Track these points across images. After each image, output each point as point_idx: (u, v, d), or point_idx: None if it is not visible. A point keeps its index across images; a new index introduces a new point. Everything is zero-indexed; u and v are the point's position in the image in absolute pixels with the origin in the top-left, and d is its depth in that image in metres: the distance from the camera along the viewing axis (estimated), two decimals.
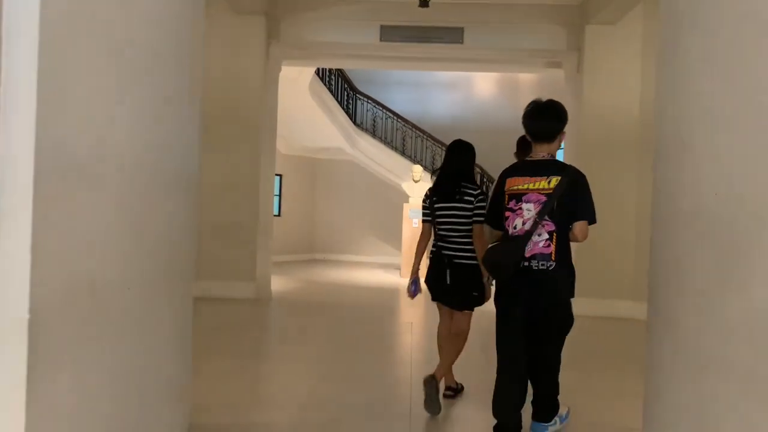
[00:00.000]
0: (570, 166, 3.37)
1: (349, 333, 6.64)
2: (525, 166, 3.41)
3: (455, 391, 4.35)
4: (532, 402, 3.47)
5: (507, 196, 3.33)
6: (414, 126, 14.33)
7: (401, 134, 14.33)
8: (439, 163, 14.16)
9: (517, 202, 3.27)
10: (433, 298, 4.28)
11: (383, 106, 14.44)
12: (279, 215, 14.83)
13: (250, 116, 8.48)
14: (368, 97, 14.50)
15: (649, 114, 8.15)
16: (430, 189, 4.24)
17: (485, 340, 4.73)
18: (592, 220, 3.33)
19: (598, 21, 8.18)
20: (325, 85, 13.25)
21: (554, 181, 3.22)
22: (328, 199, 15.69)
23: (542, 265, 3.18)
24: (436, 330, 4.37)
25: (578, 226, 3.27)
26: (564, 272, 3.24)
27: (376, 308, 8.45)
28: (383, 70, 15.43)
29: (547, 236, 3.19)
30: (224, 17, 8.39)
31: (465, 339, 4.21)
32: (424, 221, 4.23)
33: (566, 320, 3.34)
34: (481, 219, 3.92)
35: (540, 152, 3.38)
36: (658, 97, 3.06)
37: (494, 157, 15.13)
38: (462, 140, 4.34)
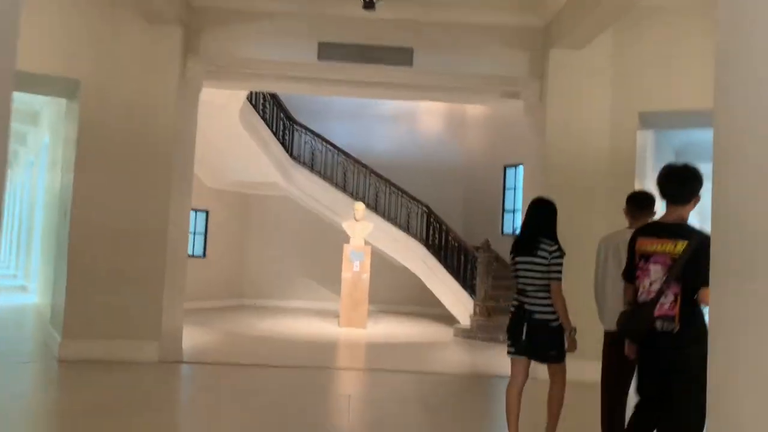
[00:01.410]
0: (697, 231, 3.36)
1: (272, 413, 5.28)
2: (655, 227, 3.56)
3: None
4: None
5: (637, 255, 3.46)
6: (356, 160, 13.21)
7: (342, 169, 13.18)
8: (382, 201, 13.13)
9: (645, 262, 3.40)
10: (515, 352, 4.33)
11: (323, 138, 13.28)
12: (204, 256, 13.33)
13: (161, 143, 7.13)
14: (306, 128, 13.32)
15: (621, 145, 7.25)
16: (512, 244, 4.45)
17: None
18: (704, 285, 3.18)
19: (563, 45, 7.27)
20: (258, 113, 12.00)
21: (680, 245, 3.29)
22: (261, 238, 14.31)
23: (666, 326, 3.28)
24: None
25: (703, 292, 3.21)
26: (688, 333, 3.24)
27: (309, 372, 7.10)
28: (323, 100, 14.31)
29: (672, 298, 3.29)
30: (134, 26, 7.10)
31: (562, 389, 4.31)
32: (513, 277, 4.40)
33: (689, 395, 3.10)
34: (558, 276, 4.20)
35: (671, 214, 3.45)
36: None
37: (439, 196, 14.23)
38: (543, 197, 4.53)
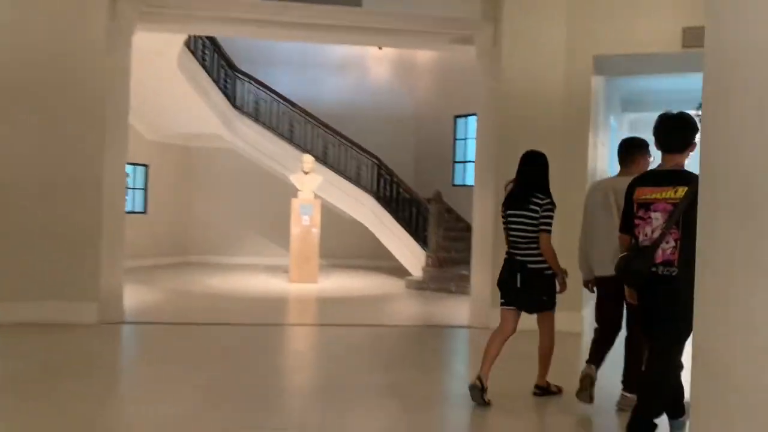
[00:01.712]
0: (696, 176, 3.04)
1: (220, 374, 5.02)
2: (653, 176, 3.58)
3: (544, 390, 4.58)
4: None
5: (636, 204, 3.50)
6: (303, 111, 12.76)
7: (288, 120, 12.72)
8: (331, 152, 12.78)
9: (645, 211, 3.45)
10: (503, 303, 4.46)
11: (267, 88, 12.74)
12: (145, 212, 12.78)
13: (90, 90, 6.58)
14: (249, 77, 12.74)
15: (575, 91, 7.09)
16: (505, 197, 4.51)
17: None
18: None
19: None
20: (198, 60, 11.36)
21: (680, 191, 3.35)
22: (206, 193, 13.80)
23: (667, 271, 3.36)
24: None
25: None
26: (684, 277, 3.14)
27: (260, 330, 6.84)
28: (266, 47, 13.73)
29: (673, 244, 3.36)
30: None
31: (551, 338, 4.49)
32: (503, 228, 4.51)
33: (676, 324, 3.32)
34: (547, 228, 4.30)
35: (668, 163, 3.50)
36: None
37: (389, 147, 13.96)
38: (533, 151, 4.57)
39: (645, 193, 3.47)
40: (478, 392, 4.29)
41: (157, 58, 9.95)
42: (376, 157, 12.46)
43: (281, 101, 12.74)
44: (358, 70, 14.52)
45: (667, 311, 3.36)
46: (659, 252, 3.37)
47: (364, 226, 12.26)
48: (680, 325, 3.23)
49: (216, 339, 6.31)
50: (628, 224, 3.57)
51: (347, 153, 12.57)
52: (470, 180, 13.46)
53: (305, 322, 7.60)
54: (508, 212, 4.43)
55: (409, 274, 11.32)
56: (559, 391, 4.63)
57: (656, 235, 3.38)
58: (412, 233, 11.59)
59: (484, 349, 4.50)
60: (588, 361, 4.33)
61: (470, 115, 13.32)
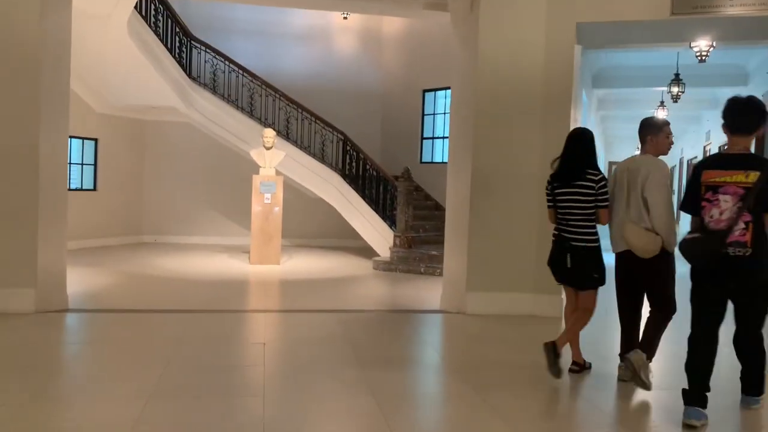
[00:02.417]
0: (763, 158, 3.53)
1: (173, 367, 4.48)
2: (721, 159, 3.77)
3: (581, 367, 4.54)
4: (742, 377, 3.84)
5: (703, 187, 3.58)
6: (264, 83, 12.05)
7: (249, 92, 12.01)
8: (294, 127, 12.13)
9: (714, 194, 3.54)
10: (559, 281, 4.58)
11: (225, 57, 11.99)
12: (94, 189, 11.99)
13: (20, 54, 5.86)
14: (207, 46, 11.96)
15: (557, 60, 6.64)
16: (551, 175, 4.47)
17: None
18: None
19: None
20: (149, 26, 10.57)
21: (752, 175, 3.44)
22: (161, 169, 13.03)
23: (739, 251, 3.49)
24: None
25: None
26: (759, 257, 3.50)
27: (218, 318, 6.30)
28: (224, 14, 13.02)
29: (743, 226, 3.48)
30: None
31: (590, 315, 4.48)
32: (548, 207, 4.53)
33: (761, 297, 3.61)
34: (607, 204, 4.29)
35: (736, 145, 3.60)
36: None
37: (355, 122, 13.37)
38: (580, 127, 4.67)
39: (713, 176, 3.58)
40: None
41: (105, 23, 9.17)
42: (342, 133, 11.88)
43: (241, 72, 12.01)
44: (322, 40, 13.86)
45: (748, 290, 3.58)
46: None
47: (330, 204, 11.72)
48: (760, 300, 3.63)
49: (168, 328, 5.74)
50: (692, 206, 3.68)
51: (311, 127, 11.96)
52: (439, 157, 13.03)
53: (266, 308, 7.07)
54: (559, 190, 4.40)
55: (377, 255, 10.85)
56: (589, 366, 4.64)
57: (725, 217, 3.52)
58: (379, 212, 11.10)
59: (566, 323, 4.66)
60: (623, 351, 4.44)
61: (439, 89, 12.85)
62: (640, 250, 4.13)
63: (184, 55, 11.70)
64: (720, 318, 3.66)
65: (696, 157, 23.77)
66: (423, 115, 13.34)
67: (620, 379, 4.39)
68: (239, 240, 12.50)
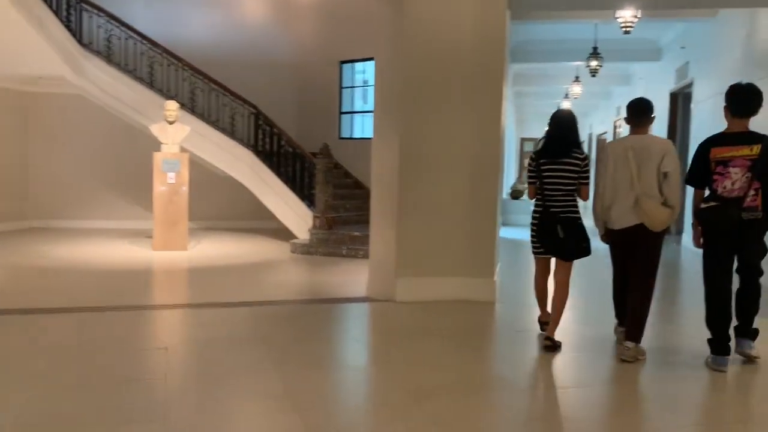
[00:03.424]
0: (763, 135, 4.16)
1: (50, 386, 3.68)
2: (726, 137, 4.24)
3: (554, 344, 4.59)
4: (740, 326, 4.34)
5: (713, 162, 4.19)
6: (166, 51, 10.96)
7: (148, 61, 10.89)
8: (200, 100, 11.10)
9: (724, 167, 4.15)
10: (544, 252, 4.71)
11: (121, 22, 10.79)
12: None
13: None
14: (99, 9, 10.73)
15: (490, 32, 6.13)
16: (535, 152, 4.75)
17: None
18: None
19: None
20: None
21: (756, 148, 4.09)
22: (49, 147, 11.72)
23: (752, 215, 4.11)
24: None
25: None
26: (762, 216, 4.14)
27: (111, 318, 5.45)
28: None
29: (753, 192, 4.11)
30: None
31: (567, 288, 4.64)
32: (530, 183, 4.75)
33: (762, 246, 4.30)
34: (587, 181, 4.65)
35: (737, 126, 4.23)
36: None
37: (269, 95, 12.47)
38: (565, 108, 5.53)
39: (722, 152, 4.18)
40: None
41: None
42: (254, 106, 11.01)
43: (139, 39, 10.86)
44: (229, 6, 12.83)
45: (755, 241, 4.23)
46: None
47: (242, 183, 10.87)
48: (762, 250, 4.30)
49: (50, 333, 4.88)
50: (701, 179, 4.30)
51: (219, 100, 11.00)
52: (359, 132, 12.41)
53: (170, 303, 6.25)
54: (546, 166, 4.60)
55: (295, 237, 10.15)
56: (559, 345, 4.65)
57: (736, 186, 4.11)
58: (296, 191, 10.37)
59: (536, 294, 4.97)
60: (620, 324, 4.70)
61: (358, 60, 12.18)
62: (658, 223, 4.31)
63: (73, 19, 10.44)
64: (731, 276, 4.26)
65: (605, 133, 24.32)
66: (341, 88, 12.64)
67: (618, 342, 4.66)
68: (142, 224, 11.43)
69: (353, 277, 7.38)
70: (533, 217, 4.75)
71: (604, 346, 4.76)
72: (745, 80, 4.36)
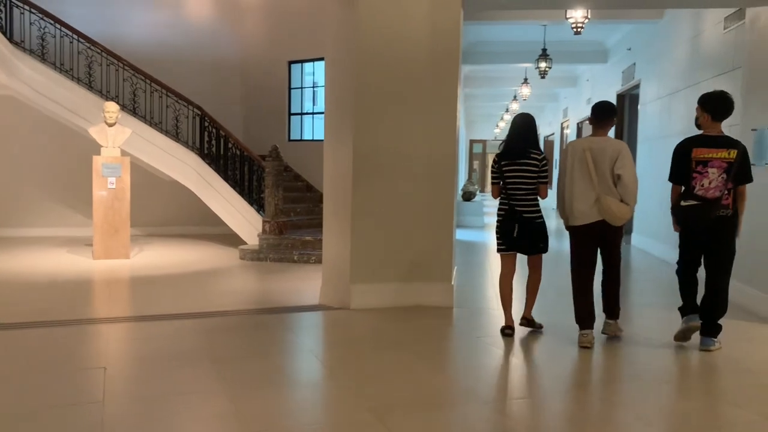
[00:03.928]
0: (739, 141, 4.62)
1: None
2: (706, 139, 4.60)
3: (530, 322, 5.12)
4: (706, 314, 4.67)
5: (694, 161, 4.54)
6: (105, 50, 10.46)
7: (86, 60, 10.37)
8: (143, 101, 10.61)
9: (703, 167, 4.52)
10: (506, 249, 4.98)
11: (56, 19, 10.24)
12: None
13: None
14: (32, 5, 10.15)
15: (444, 30, 5.99)
16: (497, 155, 5.01)
17: None
18: (749, 181, 4.59)
19: None
20: None
21: (732, 153, 4.50)
22: None
23: (723, 212, 4.50)
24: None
25: (745, 188, 4.58)
26: (734, 217, 4.56)
27: (45, 335, 5.06)
28: None
29: (726, 192, 4.48)
30: None
31: (540, 274, 5.06)
32: (493, 183, 5.02)
33: (731, 248, 4.61)
34: (546, 180, 4.89)
35: (715, 128, 4.62)
36: None
37: (215, 96, 12.08)
38: (527, 113, 5.17)
39: (702, 153, 4.54)
40: (510, 335, 4.96)
41: None
42: (199, 107, 10.61)
43: (76, 37, 10.33)
44: (172, 4, 12.39)
45: (726, 242, 4.57)
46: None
47: (188, 188, 10.47)
48: (733, 249, 4.61)
49: None
50: (681, 177, 4.65)
51: (162, 101, 10.57)
52: (308, 134, 12.15)
53: (110, 317, 5.86)
54: (507, 167, 4.87)
55: (244, 243, 9.82)
56: (540, 327, 5.14)
57: (713, 185, 4.48)
58: (245, 195, 10.04)
59: (500, 296, 5.09)
60: (581, 326, 4.82)
61: (307, 60, 11.92)
62: (617, 218, 4.65)
63: (2, 16, 9.85)
64: (699, 266, 4.73)
65: (553, 134, 24.64)
66: (290, 88, 12.34)
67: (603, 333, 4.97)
68: (81, 231, 10.92)
69: (306, 284, 7.13)
70: (498, 215, 5.03)
71: (563, 350, 4.67)
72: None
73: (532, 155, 4.85)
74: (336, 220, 6.09)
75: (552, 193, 5.55)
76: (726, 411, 3.63)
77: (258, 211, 9.76)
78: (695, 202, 4.49)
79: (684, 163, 4.57)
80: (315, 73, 12.01)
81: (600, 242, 4.78)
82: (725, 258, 4.59)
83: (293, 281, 7.53)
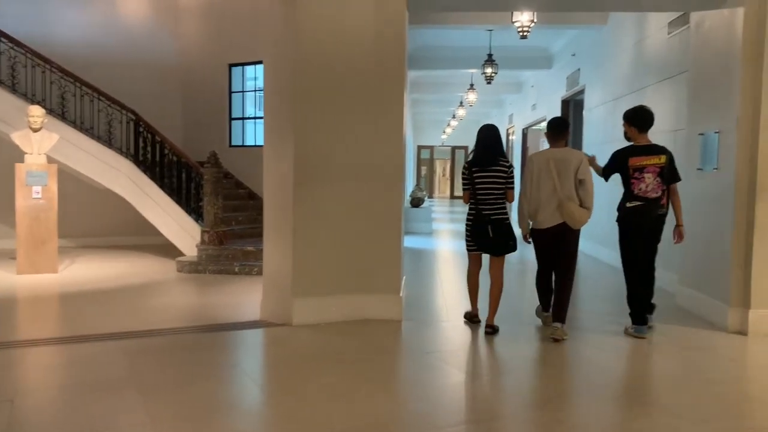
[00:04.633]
0: (665, 147, 5.34)
1: None
2: (640, 149, 5.28)
3: (494, 329, 5.35)
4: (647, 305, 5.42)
5: (631, 169, 5.22)
6: (30, 51, 9.81)
7: (9, 61, 9.71)
8: (72, 105, 9.99)
9: (640, 173, 5.21)
10: (476, 249, 5.45)
11: None
12: None
13: None
14: None
15: (388, 30, 5.74)
16: (468, 162, 5.40)
17: None
18: (679, 180, 5.38)
19: None
20: None
21: (663, 158, 5.21)
22: None
23: (662, 211, 5.26)
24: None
25: (677, 186, 5.37)
26: (666, 212, 5.32)
27: None
28: None
29: (662, 193, 5.21)
30: None
31: (502, 282, 5.42)
32: (464, 189, 5.38)
33: (659, 239, 5.34)
34: (512, 186, 5.32)
35: (644, 139, 5.33)
36: None
37: (150, 100, 11.50)
38: (492, 124, 5.54)
39: (639, 161, 5.21)
40: (478, 322, 5.55)
41: None
42: (133, 111, 10.07)
43: None
44: (105, 4, 11.77)
45: (659, 236, 5.30)
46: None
47: (121, 196, 9.91)
48: (656, 247, 5.34)
49: None
50: (610, 175, 5.48)
51: (93, 105, 9.99)
52: (251, 140, 11.74)
53: (29, 339, 5.34)
54: (478, 174, 5.26)
55: (182, 254, 9.34)
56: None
57: (650, 188, 5.17)
58: (182, 204, 9.56)
59: (468, 288, 5.59)
60: (545, 310, 5.50)
61: (248, 63, 11.51)
62: (578, 222, 5.10)
63: None
64: (640, 259, 5.31)
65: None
66: (230, 92, 11.89)
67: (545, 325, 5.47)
68: (4, 243, 10.20)
69: (246, 298, 6.75)
70: (468, 219, 5.43)
71: (519, 365, 4.45)
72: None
73: (500, 163, 5.27)
74: (276, 231, 5.75)
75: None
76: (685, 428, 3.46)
77: (197, 220, 9.29)
78: (639, 203, 5.17)
79: (617, 169, 5.31)
80: (257, 76, 11.61)
81: (559, 244, 5.18)
82: (656, 249, 5.35)
83: (233, 295, 7.14)
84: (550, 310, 5.32)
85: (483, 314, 5.54)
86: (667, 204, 5.26)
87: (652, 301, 5.46)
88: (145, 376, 4.20)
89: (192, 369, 4.43)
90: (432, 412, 3.63)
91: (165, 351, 4.88)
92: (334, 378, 4.16)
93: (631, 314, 5.30)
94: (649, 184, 5.14)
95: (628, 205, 5.21)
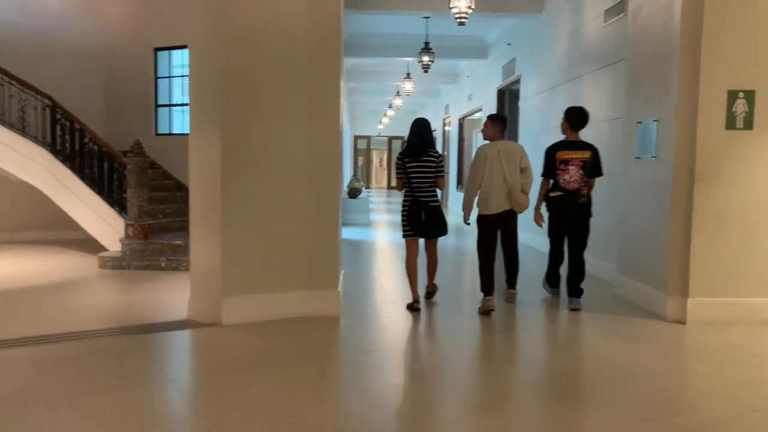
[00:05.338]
0: (592, 144, 5.97)
1: None
2: (567, 144, 5.95)
3: (432, 293, 6.25)
4: (569, 284, 6.01)
5: (558, 161, 5.86)
6: None
7: None
8: None
9: (565, 165, 5.85)
10: (413, 234, 5.84)
11: None
12: None
13: None
14: None
15: (323, 17, 5.43)
16: (401, 153, 5.89)
17: None
18: (600, 175, 6.01)
19: None
20: None
21: (587, 153, 5.85)
22: None
23: (582, 200, 5.83)
24: None
25: (595, 181, 6.03)
26: (589, 202, 5.93)
27: None
28: None
29: (583, 184, 5.83)
30: None
31: (437, 257, 6.08)
32: (398, 178, 5.86)
33: (588, 227, 5.96)
34: (442, 174, 5.85)
35: (574, 135, 5.97)
36: None
37: (68, 85, 10.76)
38: (424, 117, 6.06)
39: (565, 155, 5.85)
40: (418, 310, 5.75)
41: None
42: (49, 97, 9.38)
43: None
44: None
45: (584, 222, 5.92)
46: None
47: (37, 188, 9.24)
48: (588, 227, 5.96)
49: None
50: (551, 172, 5.95)
51: (4, 90, 9.25)
52: (178, 128, 11.19)
53: None
54: (411, 164, 5.70)
55: (105, 249, 8.77)
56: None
57: (573, 179, 5.81)
58: (104, 196, 8.96)
59: (408, 275, 5.89)
60: (487, 294, 5.72)
61: (176, 47, 10.93)
62: (522, 208, 5.79)
63: None
64: (563, 242, 6.13)
65: (435, 130, 24.80)
66: (156, 78, 11.27)
67: (507, 301, 6.10)
68: None
69: (173, 295, 6.34)
70: (403, 206, 5.80)
71: (461, 363, 4.27)
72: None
73: (430, 153, 5.74)
74: (204, 224, 5.37)
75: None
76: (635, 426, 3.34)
77: (120, 213, 8.74)
78: (561, 193, 5.83)
79: (552, 163, 5.88)
80: (185, 61, 11.04)
81: (504, 226, 5.87)
82: (584, 235, 5.92)
83: (159, 292, 6.70)
84: (505, 284, 6.14)
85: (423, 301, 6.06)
86: (589, 195, 5.86)
87: (581, 286, 5.95)
88: (52, 388, 3.78)
89: (108, 378, 4.03)
90: (372, 418, 3.38)
91: (79, 358, 4.44)
92: (266, 385, 3.86)
93: (546, 280, 6.44)
94: (572, 176, 5.78)
95: (551, 194, 5.91)
